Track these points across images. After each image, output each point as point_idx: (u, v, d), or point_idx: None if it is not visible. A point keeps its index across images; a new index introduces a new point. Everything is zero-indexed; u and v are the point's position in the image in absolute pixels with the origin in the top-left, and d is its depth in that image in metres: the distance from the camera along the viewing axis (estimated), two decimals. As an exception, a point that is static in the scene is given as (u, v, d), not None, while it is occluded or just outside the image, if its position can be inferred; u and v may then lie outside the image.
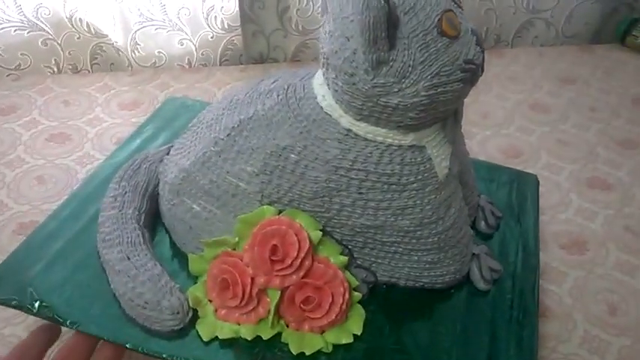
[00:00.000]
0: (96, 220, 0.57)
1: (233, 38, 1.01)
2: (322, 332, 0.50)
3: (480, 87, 0.96)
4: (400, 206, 0.50)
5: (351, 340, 0.50)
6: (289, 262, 0.49)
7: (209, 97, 0.93)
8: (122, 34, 0.97)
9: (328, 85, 0.49)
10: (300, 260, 0.49)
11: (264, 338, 0.50)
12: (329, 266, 0.50)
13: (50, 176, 0.76)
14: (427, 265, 0.53)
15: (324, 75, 0.49)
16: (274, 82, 0.55)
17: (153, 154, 0.63)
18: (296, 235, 0.49)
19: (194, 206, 0.54)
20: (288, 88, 0.52)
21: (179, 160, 0.57)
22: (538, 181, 0.68)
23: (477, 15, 1.08)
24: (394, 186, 0.49)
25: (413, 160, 0.49)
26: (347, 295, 0.50)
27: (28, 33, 0.95)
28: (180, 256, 0.56)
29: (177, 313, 0.50)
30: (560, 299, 0.62)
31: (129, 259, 0.53)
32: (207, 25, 0.98)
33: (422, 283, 0.54)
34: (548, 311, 0.61)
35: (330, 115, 0.49)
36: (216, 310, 0.51)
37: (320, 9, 0.52)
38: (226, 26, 0.99)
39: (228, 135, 0.52)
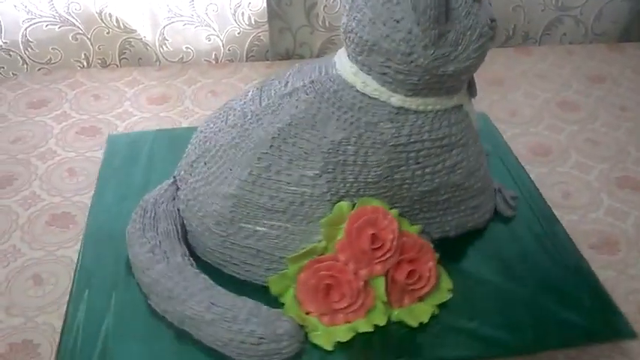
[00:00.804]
0: (129, 284, 0.54)
1: (260, 34, 1.01)
2: (420, 300, 0.53)
3: (508, 85, 0.96)
4: (452, 164, 0.55)
5: (449, 296, 0.54)
6: (388, 246, 0.51)
7: (235, 92, 0.94)
8: (151, 30, 0.98)
9: (369, 71, 0.51)
10: (396, 241, 0.52)
11: (381, 324, 0.51)
12: (414, 238, 0.53)
13: (81, 169, 0.77)
14: (473, 210, 0.59)
15: (359, 63, 0.52)
16: (286, 83, 0.56)
17: (157, 195, 0.59)
18: (385, 218, 0.52)
19: (257, 228, 0.54)
20: (313, 85, 0.54)
21: (216, 190, 0.55)
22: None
23: (504, 12, 1.07)
24: (446, 147, 0.54)
25: (457, 119, 0.54)
26: (435, 259, 0.54)
27: (59, 28, 0.97)
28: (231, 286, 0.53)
29: (294, 335, 0.49)
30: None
31: (214, 304, 0.49)
32: (235, 21, 0.99)
33: (469, 228, 0.60)
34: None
35: (378, 99, 0.52)
36: (319, 319, 0.51)
37: (344, 2, 0.53)
38: (253, 22, 0.99)
39: (270, 147, 0.53)
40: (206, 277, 0.53)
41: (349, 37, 0.52)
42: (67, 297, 0.59)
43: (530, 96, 0.95)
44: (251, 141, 0.54)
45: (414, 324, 0.52)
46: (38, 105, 0.90)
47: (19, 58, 0.98)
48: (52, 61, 1.00)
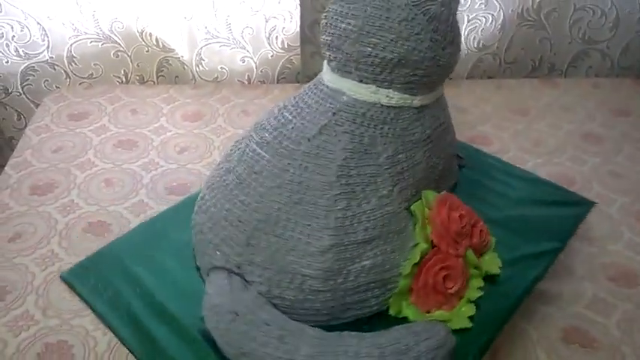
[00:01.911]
0: None
1: (292, 57, 1.05)
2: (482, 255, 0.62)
3: (533, 115, 0.98)
4: (450, 140, 0.66)
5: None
6: (467, 220, 0.59)
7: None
8: (188, 50, 1.03)
9: (391, 84, 0.57)
10: (468, 214, 0.60)
11: (482, 285, 0.59)
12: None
13: (118, 180, 0.81)
14: (455, 173, 0.71)
15: (379, 82, 0.57)
16: (302, 125, 0.58)
17: (225, 300, 0.54)
18: (454, 200, 0.61)
19: (364, 263, 0.55)
20: (340, 116, 0.57)
21: (306, 250, 0.55)
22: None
23: (531, 43, 1.09)
24: (446, 128, 0.64)
25: (445, 102, 0.65)
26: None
27: (102, 45, 1.02)
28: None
29: (449, 330, 0.53)
30: (607, 331, 0.62)
31: (381, 347, 0.51)
32: (269, 44, 1.03)
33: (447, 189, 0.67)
34: (595, 342, 0.61)
35: (402, 106, 0.58)
36: (442, 310, 0.57)
37: (353, 28, 0.56)
38: (286, 46, 1.03)
39: (340, 185, 0.56)
40: (341, 333, 0.53)
41: (366, 62, 0.56)
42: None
43: (554, 127, 0.96)
44: (314, 190, 0.55)
45: (497, 271, 0.61)
46: (79, 117, 0.94)
47: (63, 72, 1.04)
48: (94, 76, 1.05)
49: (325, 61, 0.61)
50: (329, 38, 0.58)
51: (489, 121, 0.96)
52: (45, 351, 0.58)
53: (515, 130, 0.94)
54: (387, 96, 0.57)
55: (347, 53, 0.56)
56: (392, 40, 0.54)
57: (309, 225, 0.55)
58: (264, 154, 0.58)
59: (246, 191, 0.58)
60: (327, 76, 0.60)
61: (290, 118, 0.59)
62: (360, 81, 0.57)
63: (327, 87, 0.59)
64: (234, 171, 0.60)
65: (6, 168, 0.83)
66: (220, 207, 0.59)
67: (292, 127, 0.58)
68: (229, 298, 0.54)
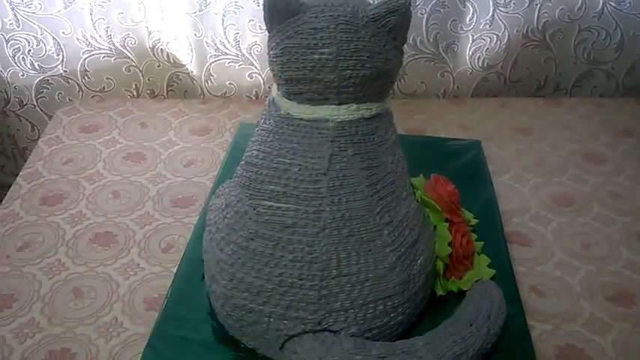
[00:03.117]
0: None
1: (298, 74, 1.07)
2: None
3: (535, 134, 0.99)
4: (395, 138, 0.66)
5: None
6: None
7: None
8: (198, 65, 1.06)
9: (368, 97, 0.59)
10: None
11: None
12: None
13: (125, 192, 0.83)
14: None
15: (358, 100, 0.59)
16: (300, 165, 0.58)
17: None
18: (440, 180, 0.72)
19: (419, 261, 0.61)
20: (339, 143, 0.58)
21: (380, 273, 0.57)
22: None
23: (536, 63, 1.10)
24: (392, 124, 0.66)
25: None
26: None
27: (114, 60, 1.05)
28: None
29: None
30: (603, 351, 0.63)
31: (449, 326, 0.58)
32: (276, 60, 1.05)
33: None
34: (589, 361, 0.62)
35: (380, 114, 0.61)
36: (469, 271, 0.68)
37: (329, 56, 0.56)
38: (293, 62, 1.05)
39: (377, 203, 0.59)
40: (440, 329, 0.58)
41: (347, 85, 0.57)
42: (104, 310, 0.64)
43: (556, 146, 0.97)
44: (358, 218, 0.57)
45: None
46: (90, 130, 0.97)
47: (76, 85, 1.07)
48: (105, 90, 1.08)
49: (283, 97, 0.60)
50: (298, 73, 0.57)
51: (492, 140, 0.97)
52: (49, 358, 0.59)
53: (517, 149, 0.95)
54: (367, 109, 0.59)
55: (326, 81, 0.56)
56: (368, 58, 0.56)
57: (370, 251, 0.57)
58: (285, 205, 0.57)
59: (289, 248, 0.56)
60: (296, 109, 0.59)
61: (288, 162, 0.58)
62: (339, 103, 0.58)
63: (304, 120, 0.58)
64: (258, 235, 0.57)
65: (18, 179, 0.85)
66: (262, 276, 0.57)
67: (298, 170, 0.57)
68: (336, 357, 0.53)
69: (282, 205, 0.57)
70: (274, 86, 0.63)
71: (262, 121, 0.63)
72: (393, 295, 0.57)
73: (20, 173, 0.86)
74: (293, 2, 0.56)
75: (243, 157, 0.63)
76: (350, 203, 0.57)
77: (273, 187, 0.58)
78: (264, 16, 0.58)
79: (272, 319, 0.56)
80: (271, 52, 0.59)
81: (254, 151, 0.61)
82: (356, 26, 0.56)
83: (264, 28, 0.60)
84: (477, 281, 0.66)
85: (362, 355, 0.53)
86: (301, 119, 0.59)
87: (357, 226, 0.57)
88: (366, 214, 0.58)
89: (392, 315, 0.58)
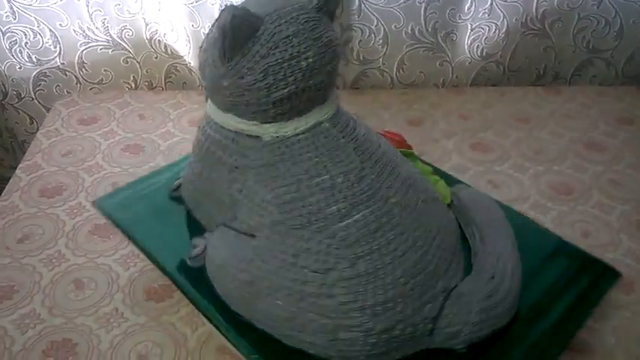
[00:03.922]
0: None
1: (297, 64, 1.06)
2: None
3: (535, 123, 0.99)
4: None
5: None
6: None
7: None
8: (195, 57, 1.05)
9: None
10: None
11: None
12: None
13: (125, 183, 0.82)
14: None
15: (334, 96, 0.58)
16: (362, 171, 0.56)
17: None
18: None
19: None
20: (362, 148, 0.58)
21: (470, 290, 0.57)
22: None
23: (536, 52, 1.10)
24: None
25: None
26: None
27: (111, 51, 1.05)
28: None
29: None
30: (602, 337, 0.63)
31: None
32: (274, 51, 1.04)
33: None
34: (588, 348, 0.62)
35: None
36: None
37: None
38: (291, 53, 1.05)
39: (432, 192, 0.63)
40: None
41: (330, 81, 0.56)
42: (104, 301, 0.64)
43: (556, 135, 0.97)
44: (439, 214, 0.61)
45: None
46: (88, 122, 0.97)
47: (73, 77, 1.06)
48: (103, 82, 1.08)
49: (264, 124, 0.55)
50: (290, 88, 0.52)
51: (491, 128, 0.97)
52: (50, 348, 0.60)
53: (517, 137, 0.95)
54: (337, 97, 0.59)
55: (316, 85, 0.54)
56: (335, 46, 0.55)
57: (439, 208, 0.62)
58: (357, 214, 0.54)
59: (392, 247, 0.54)
60: (289, 127, 0.54)
61: (326, 177, 0.54)
62: (324, 101, 0.56)
63: (302, 133, 0.54)
64: (357, 257, 0.53)
65: (17, 171, 0.85)
66: (388, 288, 0.53)
67: (342, 179, 0.54)
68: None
69: (356, 216, 0.53)
70: (229, 121, 0.56)
71: (243, 163, 0.55)
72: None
73: (19, 166, 0.86)
74: (251, 17, 0.50)
75: (262, 209, 0.55)
76: (399, 179, 0.57)
77: (334, 207, 0.53)
78: (220, 46, 0.51)
79: (416, 317, 0.54)
80: (244, 82, 0.52)
81: (276, 192, 0.54)
82: (316, 20, 0.53)
83: None
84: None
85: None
86: (299, 133, 0.54)
87: (421, 189, 0.59)
88: (419, 178, 0.60)
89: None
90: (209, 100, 0.59)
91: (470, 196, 0.70)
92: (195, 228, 0.65)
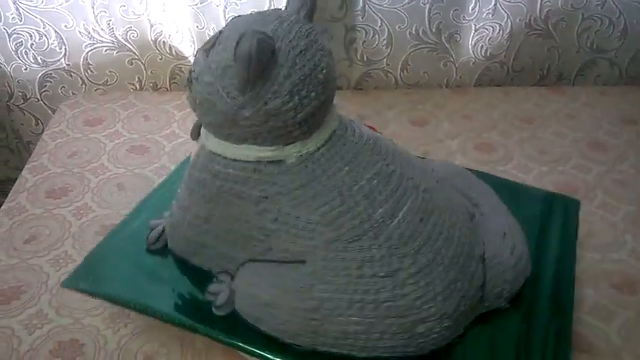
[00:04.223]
0: None
1: (301, 65, 1.06)
2: None
3: (539, 123, 0.99)
4: None
5: None
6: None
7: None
8: (200, 57, 1.05)
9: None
10: None
11: None
12: None
13: (130, 184, 0.83)
14: None
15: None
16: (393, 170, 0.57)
17: None
18: None
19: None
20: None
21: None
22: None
23: (539, 52, 1.10)
24: None
25: None
26: None
27: (116, 53, 1.05)
28: None
29: None
30: (607, 338, 0.63)
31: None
32: (278, 52, 1.05)
33: None
34: (594, 349, 0.62)
35: None
36: None
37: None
38: (296, 54, 1.05)
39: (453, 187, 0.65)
40: None
41: (336, 86, 0.56)
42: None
43: (560, 135, 0.97)
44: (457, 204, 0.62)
45: None
46: (94, 123, 0.97)
47: (79, 78, 1.07)
48: (108, 83, 1.08)
49: (286, 146, 0.53)
50: (316, 103, 0.51)
51: (495, 129, 0.97)
52: (57, 348, 0.60)
53: (520, 137, 0.95)
54: (335, 120, 0.57)
55: (329, 93, 0.54)
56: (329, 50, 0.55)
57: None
58: (401, 213, 0.55)
59: (443, 237, 0.56)
60: (314, 142, 0.54)
61: (364, 183, 0.54)
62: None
63: (323, 145, 0.54)
64: (418, 253, 0.54)
65: (23, 172, 0.86)
66: (450, 277, 0.55)
67: (375, 180, 0.55)
68: None
69: (401, 212, 0.54)
70: (246, 152, 0.53)
71: (272, 191, 0.53)
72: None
73: (25, 166, 0.87)
74: (269, 39, 0.48)
75: (309, 232, 0.53)
76: (413, 166, 0.59)
77: (381, 210, 0.53)
78: (244, 74, 0.48)
79: (471, 289, 0.56)
80: (269, 107, 0.50)
81: (320, 210, 0.53)
82: (313, 30, 0.52)
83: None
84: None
85: None
86: (320, 147, 0.54)
87: (428, 170, 0.61)
88: (419, 160, 0.63)
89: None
90: (209, 136, 0.55)
91: (441, 167, 0.69)
92: (194, 275, 0.61)
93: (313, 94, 0.51)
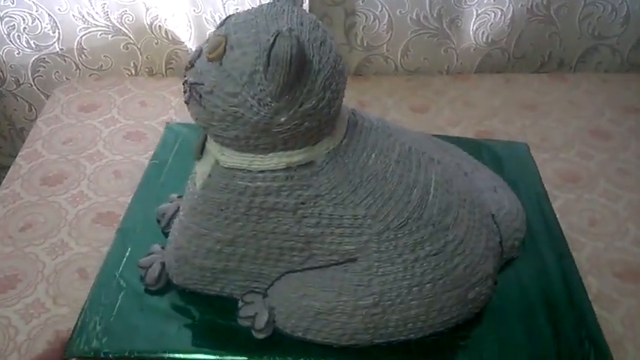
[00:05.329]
0: None
1: (300, 50, 1.05)
2: None
3: (541, 110, 0.98)
4: None
5: None
6: None
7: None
8: (197, 42, 1.03)
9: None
10: None
11: None
12: None
13: (126, 171, 0.82)
14: None
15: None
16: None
17: None
18: None
19: None
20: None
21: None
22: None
23: (540, 38, 1.09)
24: None
25: None
26: None
27: (111, 37, 1.03)
28: None
29: None
30: (611, 327, 0.63)
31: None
32: (277, 37, 1.03)
33: None
34: (598, 337, 0.61)
35: None
36: None
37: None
38: (294, 39, 1.03)
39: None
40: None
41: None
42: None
43: (562, 122, 0.96)
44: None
45: None
46: (89, 109, 0.95)
47: (73, 63, 1.05)
48: (103, 68, 1.06)
49: (312, 148, 0.50)
50: (340, 95, 0.50)
51: (496, 116, 0.96)
52: (56, 338, 0.59)
53: (522, 125, 0.94)
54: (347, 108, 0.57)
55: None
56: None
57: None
58: (434, 192, 0.55)
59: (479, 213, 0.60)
60: (335, 139, 0.52)
61: (392, 163, 0.54)
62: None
63: (346, 142, 0.52)
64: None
65: (17, 159, 0.84)
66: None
67: (400, 162, 0.55)
68: None
69: (432, 189, 0.55)
70: (275, 161, 0.50)
71: (309, 195, 0.51)
72: None
73: (19, 153, 0.85)
74: (297, 41, 0.44)
75: (357, 227, 0.52)
76: (422, 141, 0.60)
77: (415, 191, 0.53)
78: (282, 78, 0.44)
79: (497, 245, 0.60)
80: (306, 108, 0.47)
81: (365, 202, 0.51)
82: (315, 19, 0.50)
83: (264, 2, 0.53)
84: None
85: None
86: (343, 138, 0.52)
87: (431, 141, 0.64)
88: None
89: None
90: (226, 151, 0.51)
91: (416, 135, 0.69)
92: (209, 305, 0.57)
93: (340, 85, 0.49)
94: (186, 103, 0.50)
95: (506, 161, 0.77)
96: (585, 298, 0.61)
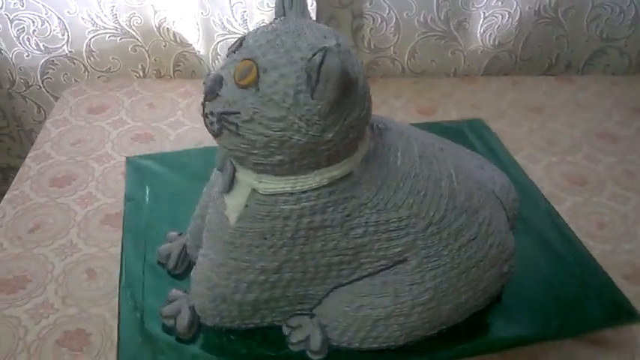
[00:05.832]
0: None
1: (307, 53, 1.05)
2: None
3: (548, 113, 0.98)
4: None
5: None
6: None
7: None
8: (205, 45, 1.04)
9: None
10: None
11: None
12: None
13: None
14: None
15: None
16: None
17: None
18: None
19: None
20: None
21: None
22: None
23: (548, 41, 1.09)
24: None
25: None
26: None
27: (120, 39, 1.03)
28: None
29: None
30: (618, 329, 0.62)
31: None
32: (284, 39, 1.03)
33: None
34: (607, 341, 0.61)
35: None
36: None
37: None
38: (302, 41, 1.03)
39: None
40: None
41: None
42: (118, 291, 0.64)
43: (569, 125, 0.96)
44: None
45: None
46: (97, 110, 0.96)
47: (81, 65, 1.06)
48: (112, 70, 1.07)
49: (348, 160, 0.49)
50: (370, 98, 0.49)
51: (503, 118, 0.96)
52: (64, 338, 0.59)
53: (529, 127, 0.94)
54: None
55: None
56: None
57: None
58: (461, 182, 0.56)
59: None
60: (364, 147, 0.51)
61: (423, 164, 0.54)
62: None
63: (373, 146, 0.52)
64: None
65: (26, 160, 0.84)
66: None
67: (425, 157, 0.56)
68: None
69: (455, 178, 0.56)
70: (319, 178, 0.48)
71: (354, 206, 0.50)
72: None
73: (29, 155, 0.86)
74: (336, 57, 0.43)
75: (404, 228, 0.52)
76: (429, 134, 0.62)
77: (444, 181, 0.54)
78: (334, 94, 0.43)
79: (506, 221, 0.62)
80: (350, 120, 0.46)
81: (407, 203, 0.51)
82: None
83: (272, 5, 0.53)
84: None
85: None
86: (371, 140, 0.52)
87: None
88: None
89: None
90: (264, 178, 0.49)
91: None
92: (250, 339, 0.56)
93: (369, 91, 0.48)
94: (216, 135, 0.47)
95: (467, 137, 0.84)
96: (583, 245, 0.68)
